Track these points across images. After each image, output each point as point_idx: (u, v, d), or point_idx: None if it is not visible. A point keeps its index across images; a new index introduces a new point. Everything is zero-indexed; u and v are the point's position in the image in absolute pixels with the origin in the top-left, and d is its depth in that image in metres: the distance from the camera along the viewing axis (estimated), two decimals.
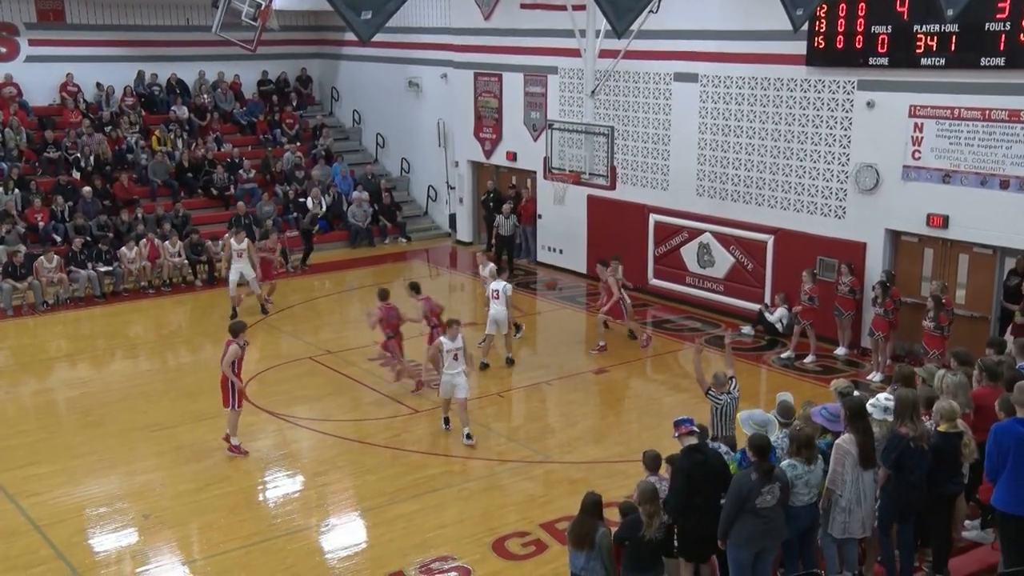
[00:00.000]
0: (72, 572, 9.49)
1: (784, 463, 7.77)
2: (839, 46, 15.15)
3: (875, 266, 15.20)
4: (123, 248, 19.67)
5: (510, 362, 15.36)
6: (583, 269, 20.25)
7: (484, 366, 15.03)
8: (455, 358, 12.31)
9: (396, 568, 9.50)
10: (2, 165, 21.16)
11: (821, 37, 15.34)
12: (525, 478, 11.51)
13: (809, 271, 15.39)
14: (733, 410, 9.96)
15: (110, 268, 19.41)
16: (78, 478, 11.54)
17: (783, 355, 15.44)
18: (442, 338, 12.44)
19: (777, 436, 8.39)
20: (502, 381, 14.97)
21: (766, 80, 16.49)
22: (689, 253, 18.25)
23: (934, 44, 14.00)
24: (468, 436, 12.30)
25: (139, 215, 20.93)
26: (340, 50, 26.99)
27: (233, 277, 17.76)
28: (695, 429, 8.19)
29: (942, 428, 8.02)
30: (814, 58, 15.55)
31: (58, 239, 20.03)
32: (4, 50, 23.43)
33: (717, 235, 17.68)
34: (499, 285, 15.04)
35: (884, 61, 14.65)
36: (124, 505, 10.87)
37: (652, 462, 8.30)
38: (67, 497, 11.05)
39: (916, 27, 14.18)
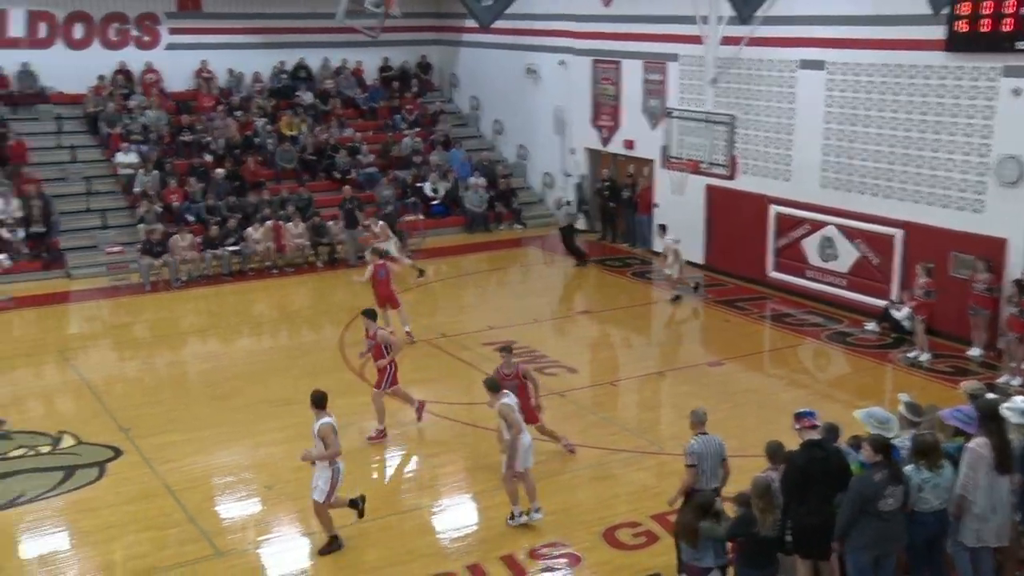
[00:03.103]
0: (202, 535, 9.96)
1: (909, 467, 7.50)
2: (984, 29, 14.38)
3: (1018, 263, 14.42)
4: (249, 229, 20.44)
5: (697, 288, 18.27)
6: (700, 259, 19.96)
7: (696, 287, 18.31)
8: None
9: (507, 552, 9.60)
10: (143, 148, 22.25)
11: (964, 21, 14.58)
12: (637, 468, 11.45)
13: (923, 264, 14.79)
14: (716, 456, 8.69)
15: (238, 248, 20.20)
16: (208, 448, 12.09)
17: (910, 354, 14.85)
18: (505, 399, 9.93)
19: (903, 437, 8.10)
20: (614, 371, 14.95)
21: (899, 67, 15.84)
22: (811, 246, 17.75)
23: None
24: (538, 510, 10.09)
25: (265, 197, 21.70)
26: (460, 37, 27.26)
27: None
28: (817, 423, 7.98)
29: None
30: (955, 43, 14.80)
31: (191, 219, 20.94)
32: (147, 38, 24.61)
33: (841, 228, 17.13)
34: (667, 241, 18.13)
35: None
36: (249, 476, 11.33)
37: (772, 453, 8.14)
38: (197, 465, 11.59)
39: None
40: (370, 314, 12.44)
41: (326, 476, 9.50)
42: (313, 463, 9.56)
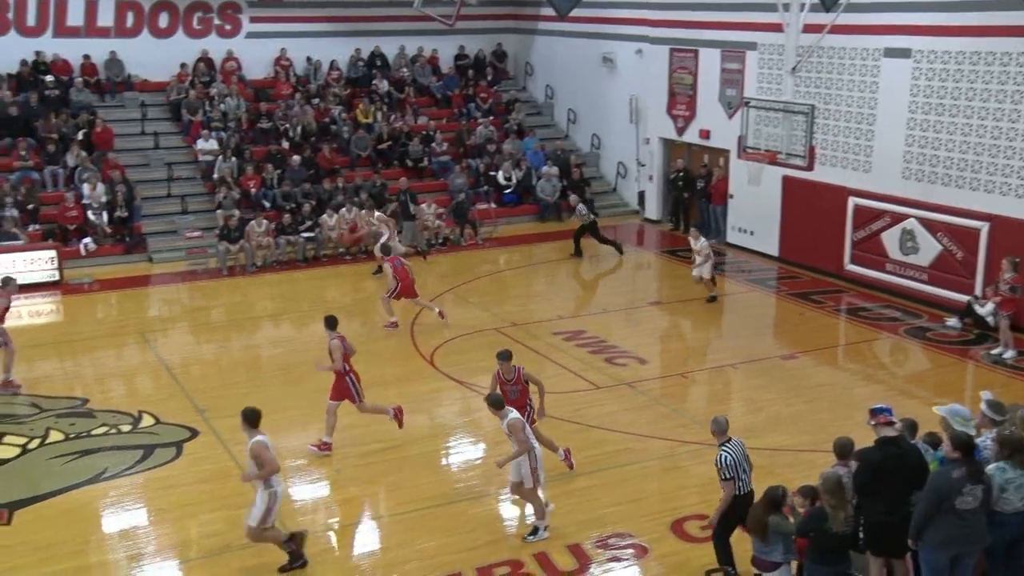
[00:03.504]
0: None
1: (993, 466, 7.25)
2: None
3: None
4: (324, 215, 20.73)
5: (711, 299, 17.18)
6: (775, 252, 19.61)
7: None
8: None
9: (574, 541, 9.58)
10: (222, 135, 22.74)
11: None
12: (705, 461, 11.22)
13: (1009, 258, 14.26)
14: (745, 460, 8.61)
15: (313, 235, 20.52)
16: (279, 430, 12.16)
17: (993, 351, 14.36)
18: (513, 414, 9.74)
19: (984, 436, 7.84)
20: (685, 363, 14.78)
21: (990, 55, 15.27)
22: (891, 239, 17.26)
23: None
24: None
25: (340, 184, 21.98)
26: (535, 25, 27.18)
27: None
28: (893, 420, 7.77)
29: None
30: None
31: (267, 205, 21.33)
32: (229, 27, 25.14)
33: (923, 220, 16.62)
34: (698, 244, 17.00)
35: None
36: (318, 459, 11.49)
37: (841, 449, 7.95)
38: None
39: None
40: (329, 323, 11.68)
41: (263, 498, 8.87)
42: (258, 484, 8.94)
